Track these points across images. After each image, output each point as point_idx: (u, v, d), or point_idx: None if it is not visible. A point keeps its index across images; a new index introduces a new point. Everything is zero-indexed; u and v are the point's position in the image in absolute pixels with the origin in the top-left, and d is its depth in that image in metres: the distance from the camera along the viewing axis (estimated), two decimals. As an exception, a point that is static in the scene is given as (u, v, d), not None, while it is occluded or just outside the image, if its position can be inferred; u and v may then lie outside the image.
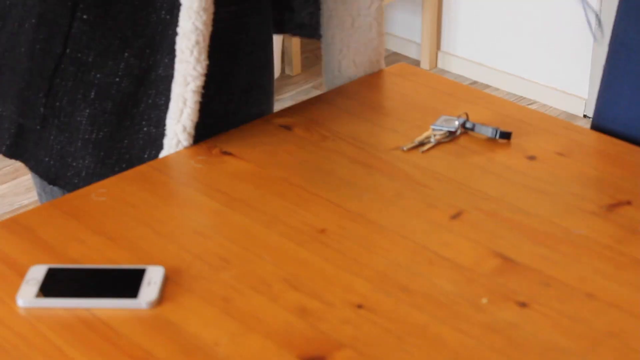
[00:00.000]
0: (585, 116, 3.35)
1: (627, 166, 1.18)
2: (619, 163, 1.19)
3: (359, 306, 0.95)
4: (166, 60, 1.20)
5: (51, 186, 1.32)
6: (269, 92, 1.39)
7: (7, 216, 2.80)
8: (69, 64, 1.21)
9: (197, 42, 1.17)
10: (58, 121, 1.24)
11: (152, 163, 1.20)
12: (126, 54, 1.20)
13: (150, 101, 1.22)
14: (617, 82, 1.29)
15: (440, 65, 3.80)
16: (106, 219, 1.09)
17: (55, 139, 1.25)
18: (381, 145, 1.24)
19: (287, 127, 1.29)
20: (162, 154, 1.22)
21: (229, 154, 1.22)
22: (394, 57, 3.90)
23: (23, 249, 1.04)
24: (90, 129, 1.23)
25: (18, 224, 1.08)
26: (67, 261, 1.02)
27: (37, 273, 0.98)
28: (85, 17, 1.18)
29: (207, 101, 1.27)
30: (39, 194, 1.41)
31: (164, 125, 1.22)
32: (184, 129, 1.21)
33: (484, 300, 0.95)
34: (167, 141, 1.22)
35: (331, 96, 1.37)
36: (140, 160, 1.24)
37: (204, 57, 1.18)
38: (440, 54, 3.79)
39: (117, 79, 1.20)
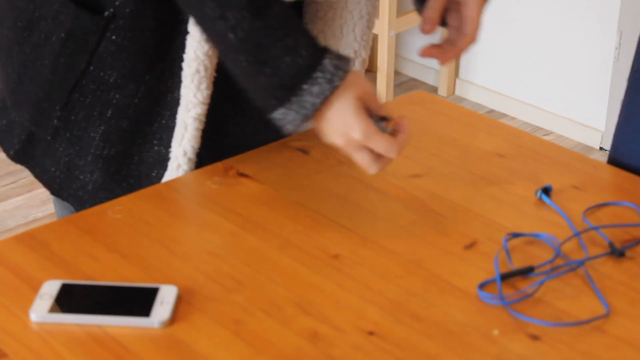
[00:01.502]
0: (601, 149, 3.34)
1: (643, 202, 1.18)
2: (635, 199, 1.19)
3: (371, 333, 0.95)
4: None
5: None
6: None
7: (22, 228, 2.81)
8: (90, 81, 1.21)
9: (198, 71, 1.18)
10: (70, 134, 1.25)
11: (169, 182, 1.21)
12: (147, 77, 1.20)
13: (163, 122, 1.23)
14: (635, 118, 1.29)
15: (457, 92, 3.80)
16: (121, 236, 1.10)
17: (65, 151, 1.26)
18: (397, 172, 1.24)
19: (304, 151, 1.29)
20: (166, 176, 1.23)
21: (246, 175, 1.23)
22: (411, 83, 3.91)
23: (38, 263, 1.05)
24: (103, 145, 1.23)
25: (33, 239, 1.09)
26: (81, 277, 1.02)
27: (51, 288, 0.99)
28: (114, 38, 1.18)
29: (224, 122, 1.27)
30: (55, 202, 1.41)
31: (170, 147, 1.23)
32: (184, 153, 1.22)
33: (496, 332, 0.95)
34: (170, 164, 1.23)
35: (349, 121, 1.38)
36: (148, 178, 1.25)
37: (204, 86, 1.19)
38: (458, 82, 3.80)
39: (136, 100, 1.21)
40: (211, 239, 1.10)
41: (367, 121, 1.07)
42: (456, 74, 3.80)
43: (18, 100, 1.28)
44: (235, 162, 1.25)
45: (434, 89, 3.85)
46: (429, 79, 3.91)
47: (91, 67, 1.20)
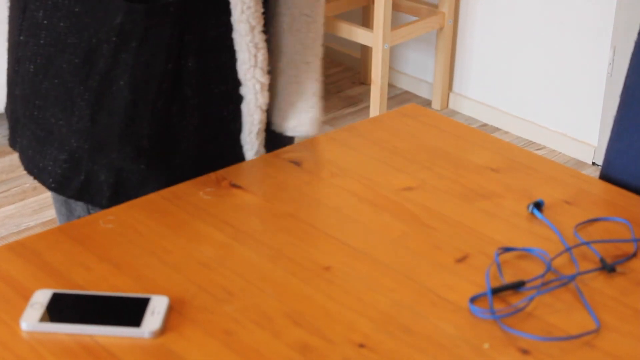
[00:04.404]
0: (594, 164, 3.35)
1: (634, 218, 1.18)
2: (626, 214, 1.19)
3: (361, 345, 0.95)
4: (212, 21, 1.22)
5: (69, 206, 1.32)
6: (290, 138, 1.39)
7: (13, 237, 2.80)
8: (168, 78, 1.21)
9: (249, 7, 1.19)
10: (164, 142, 1.25)
11: (161, 192, 1.21)
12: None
13: (213, 64, 1.24)
14: (628, 133, 1.29)
15: (451, 106, 3.81)
16: (113, 246, 1.10)
17: (163, 172, 1.26)
18: (389, 185, 1.24)
19: (297, 163, 1.30)
20: (244, 103, 1.25)
21: (238, 186, 1.23)
22: (405, 96, 3.91)
23: (29, 272, 1.04)
24: (196, 133, 1.26)
25: (25, 248, 1.09)
26: (72, 287, 1.02)
27: (42, 297, 0.99)
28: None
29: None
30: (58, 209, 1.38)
31: (233, 80, 1.24)
32: (262, 72, 1.24)
33: (486, 345, 0.95)
34: (246, 89, 1.24)
35: (341, 133, 1.38)
36: (222, 121, 1.27)
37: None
38: (451, 95, 3.80)
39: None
40: (203, 249, 1.10)
41: None
42: (450, 87, 3.81)
43: (98, 144, 1.23)
44: (228, 173, 1.26)
45: (428, 102, 3.85)
46: (423, 92, 3.92)
47: (169, 65, 1.20)
